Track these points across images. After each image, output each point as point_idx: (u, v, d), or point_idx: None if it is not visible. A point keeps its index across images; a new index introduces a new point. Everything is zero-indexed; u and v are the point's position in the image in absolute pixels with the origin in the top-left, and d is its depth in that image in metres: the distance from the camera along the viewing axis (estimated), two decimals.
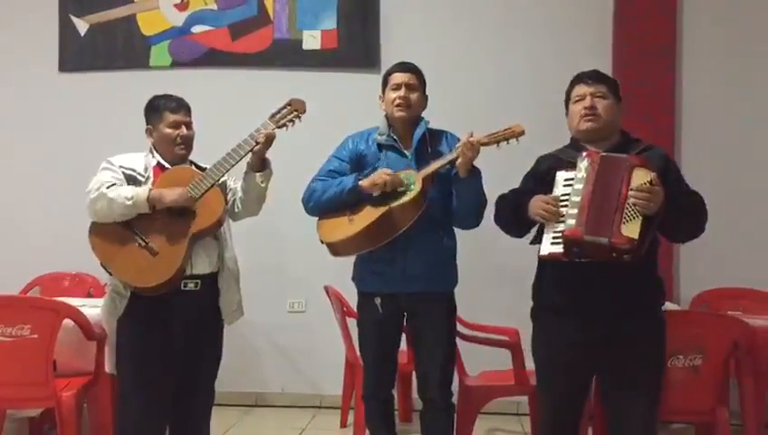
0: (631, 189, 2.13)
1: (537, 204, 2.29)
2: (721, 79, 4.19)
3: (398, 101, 2.75)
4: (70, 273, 4.18)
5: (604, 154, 2.24)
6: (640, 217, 2.12)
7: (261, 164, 2.73)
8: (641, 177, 2.15)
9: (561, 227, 2.20)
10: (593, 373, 2.38)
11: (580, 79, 2.42)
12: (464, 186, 2.67)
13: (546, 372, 2.42)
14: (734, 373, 2.98)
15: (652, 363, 2.31)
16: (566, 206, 2.21)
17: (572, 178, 2.24)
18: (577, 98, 2.39)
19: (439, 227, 2.75)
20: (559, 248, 2.19)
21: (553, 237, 2.21)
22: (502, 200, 2.52)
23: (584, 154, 2.26)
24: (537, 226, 2.35)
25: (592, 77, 2.40)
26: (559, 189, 2.27)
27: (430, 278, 2.71)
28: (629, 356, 2.27)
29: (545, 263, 2.34)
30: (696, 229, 2.34)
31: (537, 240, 2.32)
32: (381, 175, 2.65)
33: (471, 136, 2.61)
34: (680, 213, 2.23)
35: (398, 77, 2.78)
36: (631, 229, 2.11)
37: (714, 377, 2.78)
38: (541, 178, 2.40)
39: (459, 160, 2.62)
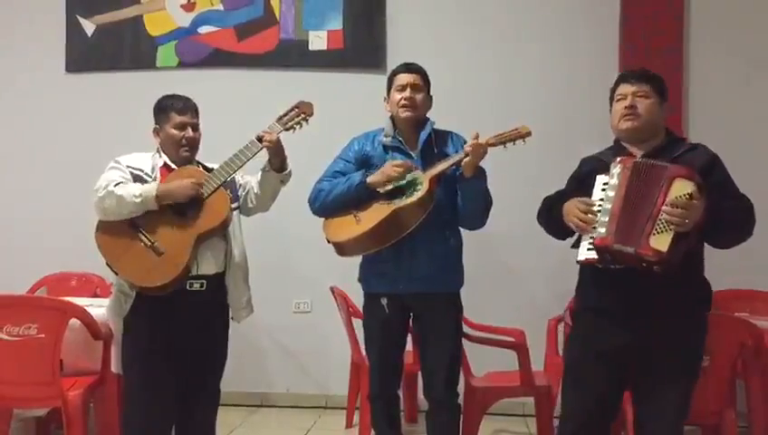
0: (667, 202, 2.07)
1: (572, 210, 2.25)
2: (728, 79, 4.18)
3: (403, 102, 2.75)
4: (76, 273, 4.19)
5: (637, 160, 2.20)
6: (672, 232, 2.06)
7: (281, 164, 2.74)
8: (680, 188, 2.08)
9: (594, 234, 2.17)
10: (629, 376, 2.33)
11: (624, 78, 2.39)
12: (469, 186, 2.67)
13: (580, 372, 2.36)
14: (742, 375, 2.97)
15: (689, 366, 2.28)
16: (599, 212, 2.19)
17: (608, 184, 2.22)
18: (619, 97, 2.36)
19: (445, 227, 2.75)
20: (593, 254, 2.17)
21: (589, 243, 2.19)
22: (544, 202, 2.50)
23: (617, 160, 2.22)
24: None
25: (636, 76, 2.36)
26: (597, 193, 2.24)
27: (436, 279, 2.71)
28: (667, 358, 2.24)
29: (585, 265, 2.31)
30: (740, 237, 2.27)
31: (576, 245, 2.29)
32: (391, 167, 2.65)
33: (478, 137, 2.61)
34: (721, 221, 2.16)
35: (404, 78, 2.78)
36: (661, 241, 2.06)
37: (721, 379, 2.76)
38: (582, 180, 2.38)
39: (466, 160, 2.62)
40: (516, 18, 4.33)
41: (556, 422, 3.39)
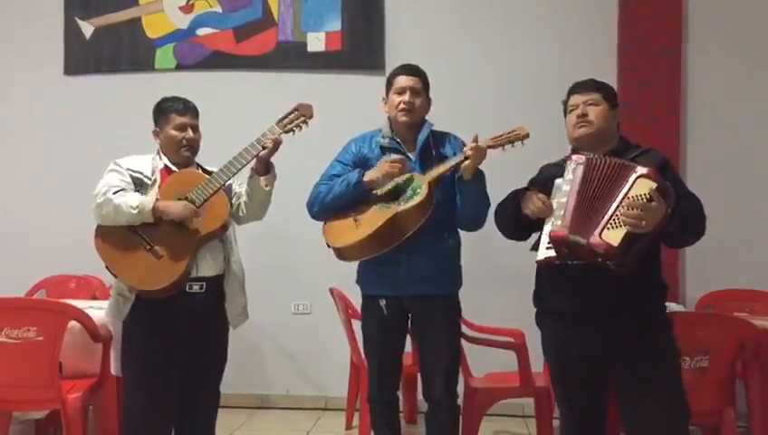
0: (626, 200, 2.11)
1: (530, 199, 2.32)
2: (726, 79, 4.18)
3: (401, 106, 2.74)
4: (76, 275, 4.19)
5: (590, 156, 2.25)
6: (627, 229, 2.09)
7: (265, 168, 2.74)
8: (641, 187, 2.11)
9: (549, 230, 2.23)
10: (607, 374, 2.35)
11: (574, 89, 2.46)
12: (468, 189, 2.66)
13: (560, 377, 2.41)
14: (741, 375, 2.97)
15: (662, 361, 2.29)
16: (555, 208, 2.24)
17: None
18: (571, 108, 2.43)
19: (444, 228, 2.75)
20: (552, 252, 2.21)
21: (547, 242, 2.24)
22: (503, 202, 2.55)
23: (573, 158, 2.29)
24: (538, 233, 2.36)
25: (585, 86, 2.44)
26: (555, 197, 2.29)
27: (435, 280, 2.71)
28: (636, 357, 2.25)
29: (542, 268, 2.37)
30: (696, 236, 2.31)
31: (535, 248, 2.33)
32: (385, 164, 2.65)
33: (476, 139, 2.61)
34: (679, 221, 2.18)
35: (403, 80, 2.78)
36: (613, 236, 2.08)
37: (720, 379, 2.77)
38: (542, 185, 2.41)
39: (465, 164, 2.62)
40: (514, 19, 4.34)
41: (556, 423, 3.40)
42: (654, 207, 2.09)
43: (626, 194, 2.12)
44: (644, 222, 2.08)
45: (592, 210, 2.16)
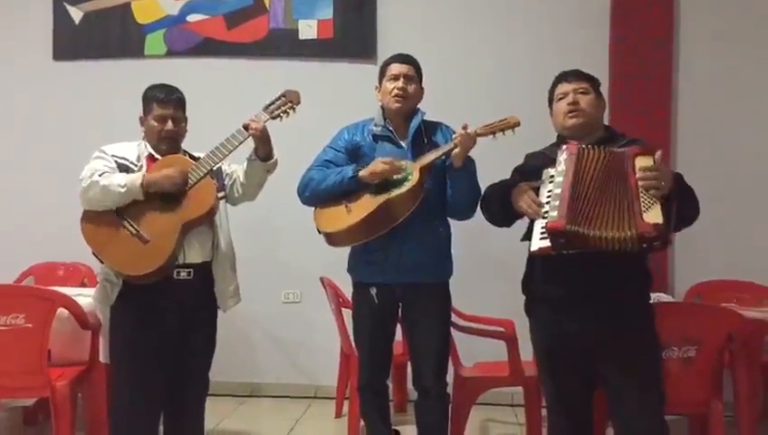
0: (638, 176, 2.13)
1: (521, 195, 2.30)
2: (717, 71, 4.19)
3: (395, 92, 2.74)
4: (64, 262, 4.17)
5: (581, 146, 2.24)
6: (658, 202, 2.11)
7: (266, 154, 2.73)
8: (643, 162, 2.16)
9: (543, 223, 2.21)
10: (592, 361, 2.36)
11: (561, 78, 2.46)
12: (458, 176, 2.67)
13: (548, 364, 2.42)
14: (728, 365, 2.99)
15: (647, 352, 2.31)
16: (549, 200, 2.22)
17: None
18: (560, 96, 2.42)
19: (434, 216, 2.75)
20: (547, 243, 2.19)
21: (541, 233, 2.22)
22: (490, 189, 2.55)
23: (563, 148, 2.27)
24: (528, 222, 2.35)
25: (573, 74, 2.44)
26: (546, 186, 2.28)
27: (425, 268, 2.71)
28: (623, 345, 2.27)
29: (535, 257, 2.35)
30: (697, 209, 2.31)
31: (527, 237, 2.32)
32: (379, 164, 2.65)
33: (466, 127, 2.61)
34: (683, 192, 2.22)
35: (396, 68, 2.78)
36: (654, 215, 2.09)
37: (708, 369, 2.78)
38: (528, 174, 2.41)
39: (455, 151, 2.62)
40: (506, 8, 4.33)
41: (544, 412, 3.42)
42: (664, 169, 2.15)
43: (635, 174, 2.15)
44: (663, 182, 2.12)
45: (593, 201, 2.15)
